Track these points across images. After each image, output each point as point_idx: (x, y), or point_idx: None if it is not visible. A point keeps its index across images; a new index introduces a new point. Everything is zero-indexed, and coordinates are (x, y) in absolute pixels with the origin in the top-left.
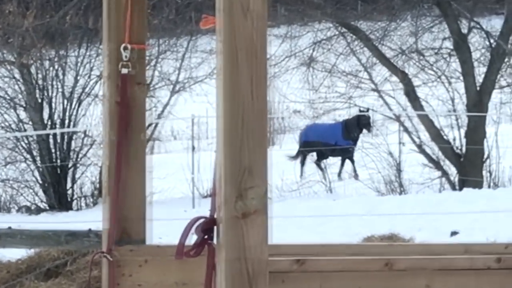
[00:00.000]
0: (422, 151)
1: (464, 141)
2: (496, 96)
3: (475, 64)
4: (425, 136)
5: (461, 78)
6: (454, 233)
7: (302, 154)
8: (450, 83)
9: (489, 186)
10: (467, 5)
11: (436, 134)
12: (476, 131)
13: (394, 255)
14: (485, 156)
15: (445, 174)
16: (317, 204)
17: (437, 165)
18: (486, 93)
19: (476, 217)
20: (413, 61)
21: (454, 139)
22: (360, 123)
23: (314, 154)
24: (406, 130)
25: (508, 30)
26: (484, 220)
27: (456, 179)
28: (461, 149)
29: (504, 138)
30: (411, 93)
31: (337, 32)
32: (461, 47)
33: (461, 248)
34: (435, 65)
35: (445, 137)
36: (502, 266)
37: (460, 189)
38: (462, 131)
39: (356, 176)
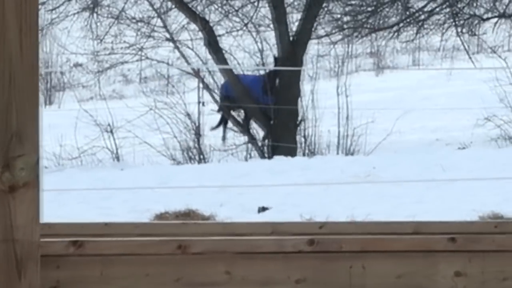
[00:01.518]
0: (225, 112)
1: (275, 100)
2: (312, 47)
3: (288, 9)
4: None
5: (272, 26)
6: (262, 209)
7: (224, 112)
8: (258, 32)
9: (304, 154)
10: None
11: (242, 93)
12: (289, 89)
13: (189, 236)
14: (300, 118)
15: (252, 139)
16: (102, 174)
17: (243, 128)
18: (301, 44)
19: (288, 191)
20: (215, 6)
21: (264, 98)
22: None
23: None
24: (206, 87)
25: None
26: (298, 194)
27: (266, 145)
28: (271, 110)
29: (321, 97)
30: (212, 43)
31: None
32: None
33: (268, 228)
34: (241, 10)
35: (253, 96)
36: (315, 249)
37: (270, 157)
38: (273, 89)
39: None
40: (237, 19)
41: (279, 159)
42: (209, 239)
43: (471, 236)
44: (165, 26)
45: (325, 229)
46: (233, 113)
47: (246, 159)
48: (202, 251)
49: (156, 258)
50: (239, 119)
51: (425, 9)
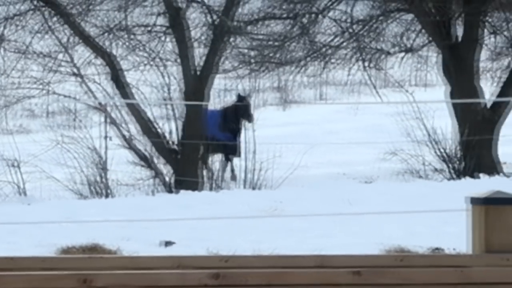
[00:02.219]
0: (131, 146)
1: (181, 134)
2: (219, 82)
3: (195, 44)
4: (135, 129)
5: (178, 61)
6: (168, 244)
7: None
8: (165, 66)
9: (210, 188)
10: None
11: (148, 127)
12: (195, 123)
13: (94, 270)
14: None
15: (158, 173)
16: (7, 209)
17: (149, 163)
18: (206, 78)
19: (194, 225)
20: (121, 41)
21: (170, 133)
22: (238, 112)
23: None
24: (112, 121)
25: (232, 5)
26: (204, 228)
27: (172, 180)
28: (177, 144)
29: None
30: (119, 78)
31: (32, 6)
32: (178, 25)
33: (173, 262)
34: (148, 45)
35: (158, 130)
36: (221, 283)
37: (176, 191)
38: (179, 123)
39: (233, 177)
40: (144, 54)
41: (185, 193)
42: (114, 273)
43: (376, 269)
44: (71, 61)
45: (230, 263)
46: (139, 147)
47: (152, 194)
48: (106, 285)
49: None
50: (145, 153)
51: (331, 44)
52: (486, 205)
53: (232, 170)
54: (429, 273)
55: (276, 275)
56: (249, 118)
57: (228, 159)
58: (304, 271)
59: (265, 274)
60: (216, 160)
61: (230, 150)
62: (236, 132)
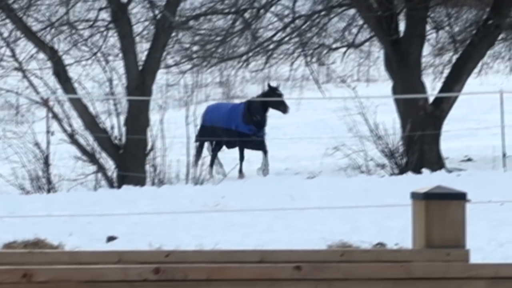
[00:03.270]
0: (74, 141)
1: (124, 129)
2: (161, 77)
3: (137, 39)
4: (78, 124)
5: (121, 55)
6: (111, 239)
7: (198, 143)
8: (107, 61)
9: (153, 183)
10: None
11: (91, 122)
12: (138, 118)
13: (35, 265)
14: (149, 147)
15: (101, 168)
16: None
17: (92, 158)
18: (149, 73)
19: (137, 220)
20: (63, 35)
21: (113, 128)
22: (266, 103)
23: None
24: (55, 116)
25: (175, 0)
26: (147, 223)
27: (115, 175)
28: (120, 139)
29: (170, 126)
30: (61, 73)
31: None
32: (121, 19)
33: (114, 257)
34: (90, 40)
35: (101, 125)
36: (161, 278)
37: (119, 186)
38: (122, 118)
39: (265, 172)
40: (86, 48)
41: (128, 189)
42: (55, 267)
43: (317, 264)
44: (13, 55)
45: (172, 258)
46: (82, 142)
47: (95, 189)
48: (47, 279)
49: (1, 286)
50: (88, 148)
51: (274, 39)
52: (426, 200)
53: (265, 165)
54: (370, 268)
55: (216, 270)
56: (285, 108)
57: (243, 153)
58: (245, 266)
59: (205, 269)
60: (157, 155)
61: (258, 146)
62: (260, 125)
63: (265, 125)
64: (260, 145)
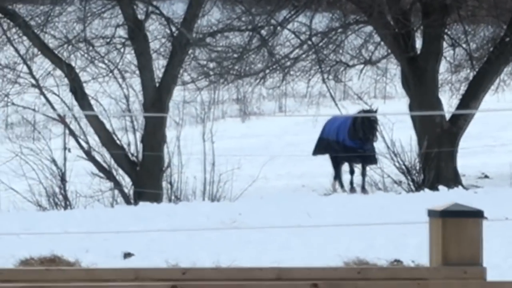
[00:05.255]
0: (91, 158)
1: (140, 146)
2: (178, 93)
3: (154, 56)
4: (94, 140)
5: (137, 72)
6: (127, 255)
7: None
8: (124, 78)
9: (169, 200)
10: None
11: (108, 138)
12: (154, 135)
13: (52, 282)
14: (165, 164)
15: (118, 185)
16: None
17: (108, 174)
18: (166, 90)
19: (153, 237)
20: (80, 52)
21: (129, 144)
22: (364, 124)
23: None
24: (72, 133)
25: (192, 17)
26: (163, 240)
27: (131, 192)
28: (137, 156)
29: (187, 143)
30: (78, 89)
31: None
32: (137, 36)
33: (131, 274)
34: (107, 57)
35: (118, 141)
36: None
37: (136, 203)
38: (139, 135)
39: (364, 190)
40: (103, 65)
41: (144, 205)
42: (72, 285)
43: (334, 282)
44: (30, 72)
45: (189, 275)
46: (99, 159)
47: (112, 205)
48: None
49: None
50: (104, 165)
51: (291, 56)
52: (443, 217)
53: (351, 183)
54: (387, 286)
55: (234, 287)
56: (372, 132)
57: (364, 167)
58: (262, 283)
59: (222, 286)
60: (174, 172)
61: (369, 160)
62: (363, 142)
63: (371, 139)
64: (367, 159)
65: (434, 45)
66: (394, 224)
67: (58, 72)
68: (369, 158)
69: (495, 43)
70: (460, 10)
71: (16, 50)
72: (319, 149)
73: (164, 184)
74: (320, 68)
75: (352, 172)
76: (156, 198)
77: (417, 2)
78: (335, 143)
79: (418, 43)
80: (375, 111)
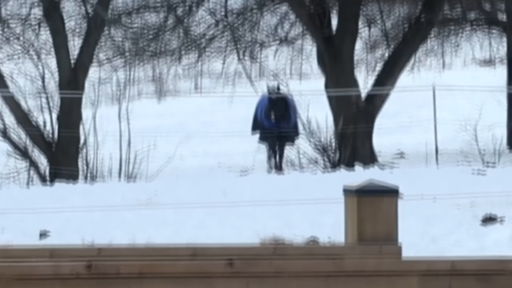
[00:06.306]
0: (6, 137)
1: (56, 125)
2: (94, 73)
3: (70, 35)
4: (10, 120)
5: (53, 51)
6: (43, 235)
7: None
8: (39, 57)
9: (85, 179)
10: None
11: (23, 118)
12: (70, 114)
13: None
14: (81, 143)
15: (33, 165)
16: None
17: (24, 154)
18: (82, 69)
19: (69, 216)
20: None
21: (45, 124)
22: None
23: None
24: None
25: None
26: (79, 219)
27: (47, 171)
28: (52, 136)
29: (103, 122)
30: None
31: None
32: (53, 15)
33: (46, 252)
34: (22, 36)
35: (33, 121)
36: (93, 273)
37: (52, 182)
38: (54, 114)
39: (280, 169)
40: (18, 45)
41: (60, 185)
42: None
43: (249, 259)
44: None
45: (104, 254)
46: (14, 138)
47: (27, 185)
48: None
49: None
50: (20, 144)
51: (206, 35)
52: (358, 195)
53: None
54: (302, 263)
55: (149, 266)
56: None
57: (280, 147)
58: (176, 261)
59: (137, 265)
60: (90, 151)
61: (285, 139)
62: (278, 119)
63: (286, 118)
64: (282, 138)
65: (349, 24)
66: (310, 202)
67: None
68: (285, 138)
69: (410, 22)
70: None
71: None
72: (253, 128)
73: (80, 163)
74: (236, 47)
75: (274, 151)
76: (72, 177)
77: None
78: (260, 122)
79: (334, 22)
80: (278, 89)
